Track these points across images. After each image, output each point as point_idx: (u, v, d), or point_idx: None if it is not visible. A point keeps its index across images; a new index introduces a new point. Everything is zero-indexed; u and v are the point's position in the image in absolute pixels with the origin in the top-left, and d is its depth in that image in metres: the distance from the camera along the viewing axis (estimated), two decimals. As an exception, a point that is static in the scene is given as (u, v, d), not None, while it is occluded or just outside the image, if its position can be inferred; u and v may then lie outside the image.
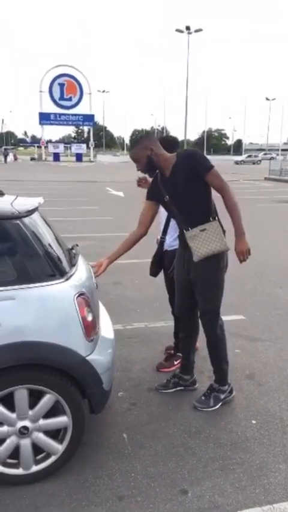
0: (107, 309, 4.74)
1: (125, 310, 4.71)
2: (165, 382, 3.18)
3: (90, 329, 2.26)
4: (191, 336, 3.07)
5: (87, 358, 2.19)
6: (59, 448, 2.23)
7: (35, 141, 53.70)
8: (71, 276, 2.31)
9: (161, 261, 3.45)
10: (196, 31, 41.34)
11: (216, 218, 2.73)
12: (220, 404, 2.90)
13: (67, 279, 2.27)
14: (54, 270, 2.24)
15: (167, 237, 3.35)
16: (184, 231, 2.79)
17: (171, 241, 3.30)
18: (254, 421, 2.77)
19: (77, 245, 3.03)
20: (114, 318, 4.52)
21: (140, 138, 2.86)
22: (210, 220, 2.70)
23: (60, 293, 2.21)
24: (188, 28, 41.03)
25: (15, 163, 44.68)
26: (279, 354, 3.73)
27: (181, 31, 41.14)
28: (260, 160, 30.34)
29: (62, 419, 2.20)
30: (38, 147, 53.23)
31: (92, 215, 11.21)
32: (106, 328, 2.67)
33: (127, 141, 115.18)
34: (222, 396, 2.92)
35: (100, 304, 3.12)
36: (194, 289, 2.86)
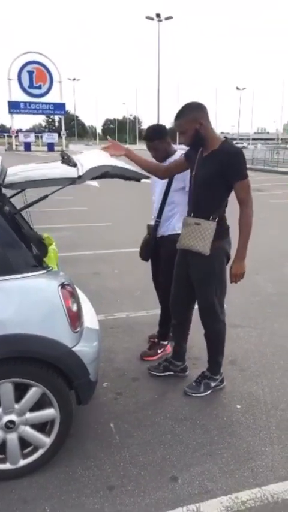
0: (88, 300, 4.72)
1: (105, 301, 4.67)
2: (157, 364, 3.19)
3: (76, 320, 2.22)
4: (183, 323, 3.05)
5: (73, 349, 2.15)
6: (47, 441, 2.19)
7: (4, 130, 52.26)
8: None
9: (153, 246, 3.37)
10: (166, 19, 40.96)
11: (216, 220, 2.65)
12: (210, 391, 2.92)
13: (49, 270, 2.22)
14: (36, 260, 2.19)
15: (162, 220, 3.27)
16: (187, 215, 2.78)
17: (167, 226, 3.25)
18: (238, 406, 2.81)
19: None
20: (96, 308, 4.47)
21: (189, 108, 2.58)
22: (210, 219, 2.66)
23: (44, 284, 2.16)
24: (158, 15, 40.62)
25: (-15, 154, 43.49)
26: (259, 339, 3.78)
27: (151, 18, 40.70)
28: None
29: (49, 412, 2.16)
30: (8, 136, 51.93)
31: (66, 206, 11.05)
32: (90, 318, 2.64)
33: (99, 130, 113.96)
34: (212, 384, 2.94)
35: (83, 295, 3.08)
36: (193, 283, 2.84)
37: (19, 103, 46.33)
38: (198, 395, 2.89)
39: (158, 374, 3.14)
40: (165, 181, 3.18)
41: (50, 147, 47.76)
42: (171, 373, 3.15)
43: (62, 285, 2.18)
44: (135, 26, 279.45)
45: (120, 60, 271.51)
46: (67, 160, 2.50)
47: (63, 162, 2.48)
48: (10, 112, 46.50)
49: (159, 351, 3.48)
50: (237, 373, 3.21)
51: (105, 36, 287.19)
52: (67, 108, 71.56)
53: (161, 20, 40.85)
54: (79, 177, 2.20)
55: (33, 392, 2.11)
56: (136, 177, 2.71)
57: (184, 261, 2.89)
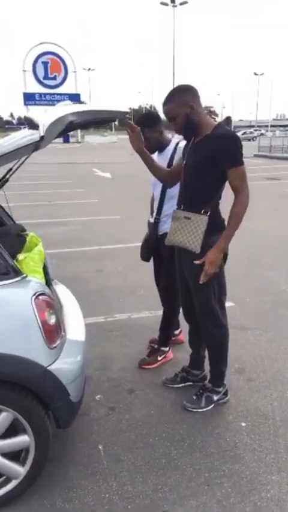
0: (88, 300, 4.47)
1: (107, 300, 4.41)
2: (173, 376, 2.93)
3: (53, 334, 1.95)
4: (198, 330, 2.74)
5: (49, 368, 1.89)
6: (21, 471, 1.94)
7: (21, 123, 52.33)
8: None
9: (154, 245, 3.11)
10: (181, 4, 40.02)
11: (208, 214, 2.35)
12: (212, 406, 2.64)
13: (23, 277, 1.96)
14: (7, 266, 1.93)
15: (162, 218, 3.01)
16: (176, 208, 2.51)
17: (169, 223, 2.95)
18: (243, 424, 2.52)
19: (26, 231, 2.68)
20: (96, 309, 4.26)
21: (178, 91, 2.33)
22: (201, 213, 2.36)
23: (15, 295, 1.89)
24: (172, 1, 39.71)
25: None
26: (270, 344, 3.47)
27: (166, 4, 39.81)
28: (256, 137, 30.03)
29: (23, 439, 1.91)
30: (24, 128, 51.98)
31: (77, 198, 10.82)
32: (76, 328, 2.38)
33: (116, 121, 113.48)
34: (215, 398, 2.65)
35: (71, 298, 2.82)
36: (189, 284, 2.56)
37: (34, 94, 46.15)
38: (199, 410, 2.61)
39: (176, 386, 2.88)
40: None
41: (66, 138, 47.50)
42: (191, 383, 2.88)
43: (37, 295, 1.92)
44: (150, 12, 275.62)
45: (135, 48, 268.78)
46: (32, 124, 2.21)
47: (30, 128, 2.20)
48: (25, 104, 46.34)
49: (159, 358, 3.20)
50: (244, 384, 2.91)
51: (121, 24, 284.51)
52: (82, 98, 71.15)
53: (175, 6, 39.92)
54: (41, 138, 1.93)
55: (3, 418, 1.86)
56: (110, 117, 2.40)
57: (179, 261, 2.61)
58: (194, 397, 2.66)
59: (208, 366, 2.73)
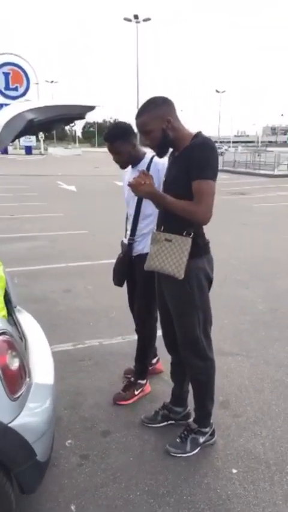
0: (55, 325, 4.11)
1: (76, 325, 4.07)
2: (153, 414, 2.60)
3: (16, 382, 1.62)
4: (181, 361, 2.43)
5: (11, 425, 1.55)
6: None
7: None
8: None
9: (128, 268, 2.82)
10: (144, 20, 40.37)
11: (192, 235, 2.08)
12: (198, 449, 2.34)
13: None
14: None
15: (137, 238, 2.73)
16: (156, 229, 2.24)
17: (145, 242, 2.68)
18: (235, 470, 2.24)
19: None
20: (64, 335, 3.90)
21: (153, 103, 2.05)
22: (183, 234, 2.09)
23: None
24: (136, 17, 40.03)
25: None
26: (254, 371, 3.23)
27: (129, 20, 40.01)
28: (223, 152, 30.17)
29: (-22, 514, 1.56)
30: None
31: (41, 212, 10.39)
32: (43, 367, 2.04)
33: (79, 133, 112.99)
34: (201, 440, 2.36)
35: (37, 328, 2.47)
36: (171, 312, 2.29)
37: (-4, 105, 45.30)
38: (184, 455, 2.31)
39: (156, 426, 2.56)
40: (136, 198, 2.64)
41: (28, 150, 46.82)
42: (172, 422, 2.58)
43: (-4, 335, 1.58)
44: (114, 26, 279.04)
45: (99, 62, 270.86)
46: None
47: None
48: (-13, 114, 45.37)
49: (136, 393, 2.89)
50: (230, 421, 2.64)
51: (82, 37, 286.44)
52: (46, 110, 70.26)
53: (139, 22, 40.31)
54: None
55: None
56: (77, 114, 2.07)
57: (159, 284, 2.34)
58: (178, 440, 2.36)
59: (192, 401, 2.45)
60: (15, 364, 1.63)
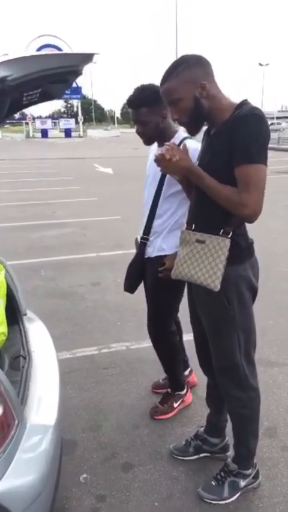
0: (80, 325, 3.75)
1: (102, 324, 3.70)
2: (184, 444, 2.20)
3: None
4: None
5: (-11, 495, 1.19)
6: None
7: (23, 117, 51.54)
8: None
9: (141, 272, 2.41)
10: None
11: (230, 235, 1.62)
12: (238, 495, 1.92)
13: None
14: None
15: (151, 237, 2.29)
16: (186, 227, 1.79)
17: (160, 243, 2.25)
18: (284, 527, 1.80)
19: None
20: (89, 337, 3.54)
21: (184, 63, 1.58)
22: (220, 234, 1.64)
23: None
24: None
25: (3, 140, 42.87)
26: (306, 387, 2.74)
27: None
28: (280, 130, 26.44)
29: None
30: (25, 123, 51.16)
31: (75, 196, 10.09)
32: (45, 399, 1.66)
33: (118, 114, 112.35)
34: (242, 483, 1.92)
35: (47, 342, 2.10)
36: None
37: (35, 88, 45.33)
38: (221, 502, 1.89)
39: (187, 459, 2.16)
40: (154, 184, 2.18)
41: (68, 132, 46.80)
42: (207, 454, 2.16)
43: None
44: (152, 3, 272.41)
45: (138, 40, 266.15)
46: None
47: None
48: (26, 98, 45.58)
49: (175, 405, 2.51)
50: (278, 455, 2.18)
51: (122, 16, 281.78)
52: (85, 92, 70.23)
53: (178, -6, 38.77)
54: None
55: None
56: (70, 66, 1.53)
57: (191, 296, 1.90)
58: (214, 483, 1.94)
59: (231, 430, 2.01)
60: (-4, 411, 1.26)
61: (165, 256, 2.18)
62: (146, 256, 2.31)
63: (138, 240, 2.38)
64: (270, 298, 4.06)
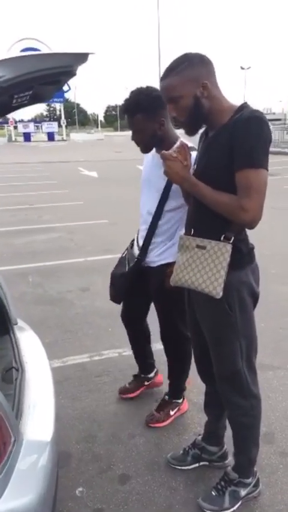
0: (71, 332, 3.68)
1: (93, 330, 3.64)
2: (181, 454, 2.14)
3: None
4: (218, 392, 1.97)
5: (-14, 519, 1.12)
6: None
7: (4, 121, 51.05)
8: None
9: (133, 284, 2.34)
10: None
11: (232, 240, 1.59)
12: (239, 504, 1.88)
13: None
14: None
15: (151, 251, 2.24)
16: (184, 232, 1.76)
17: (163, 251, 2.21)
18: (287, 536, 1.77)
19: None
20: (79, 344, 3.47)
21: (186, 61, 1.54)
22: (221, 240, 1.60)
23: None
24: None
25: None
26: (301, 390, 2.73)
27: (151, -4, 38.83)
28: None
29: None
30: (7, 127, 50.71)
31: (61, 200, 9.98)
32: (41, 413, 1.60)
33: (101, 117, 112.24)
34: (243, 493, 1.88)
35: (40, 353, 2.04)
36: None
37: (17, 92, 44.92)
38: (222, 513, 1.86)
39: (185, 468, 2.11)
40: (156, 195, 2.12)
41: (50, 136, 46.52)
42: (206, 463, 2.12)
43: None
44: (132, 4, 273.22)
45: (120, 42, 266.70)
46: None
47: None
48: (8, 102, 45.14)
49: (172, 413, 2.46)
50: (277, 461, 2.16)
51: (104, 18, 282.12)
52: (67, 96, 69.92)
53: (160, -3, 38.95)
54: None
55: None
56: (64, 66, 1.47)
57: (189, 302, 1.86)
58: (214, 493, 1.90)
59: (229, 437, 1.98)
60: (-9, 429, 1.19)
61: (168, 264, 2.13)
62: (147, 265, 2.25)
63: (136, 247, 2.31)
64: (261, 300, 4.03)
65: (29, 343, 2.10)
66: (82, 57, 1.47)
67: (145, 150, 2.13)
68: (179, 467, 2.11)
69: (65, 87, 1.70)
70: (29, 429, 1.47)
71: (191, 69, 1.53)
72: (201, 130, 1.70)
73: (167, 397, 2.51)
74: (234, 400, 1.79)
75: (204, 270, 1.62)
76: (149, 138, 2.04)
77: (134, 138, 2.06)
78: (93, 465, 2.15)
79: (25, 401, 1.62)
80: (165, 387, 2.60)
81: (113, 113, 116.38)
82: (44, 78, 1.36)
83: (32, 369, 1.87)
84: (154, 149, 2.14)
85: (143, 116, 1.96)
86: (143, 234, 2.24)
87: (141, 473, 2.10)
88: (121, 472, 2.11)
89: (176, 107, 1.58)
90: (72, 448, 2.26)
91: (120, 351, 3.27)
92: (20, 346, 2.02)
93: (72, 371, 3.01)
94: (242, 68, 78.63)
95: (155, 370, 2.74)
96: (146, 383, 2.69)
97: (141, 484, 2.03)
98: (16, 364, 1.84)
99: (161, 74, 1.62)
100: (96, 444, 2.30)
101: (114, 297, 2.45)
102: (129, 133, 2.10)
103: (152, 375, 2.72)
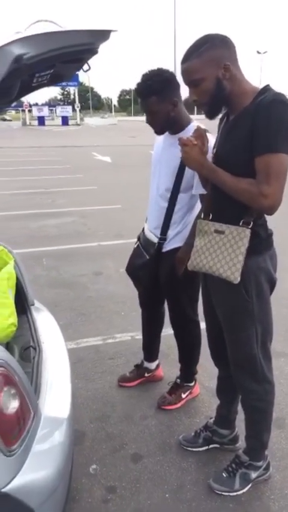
0: (84, 315, 3.72)
1: (106, 314, 3.68)
2: (193, 435, 2.18)
3: (13, 429, 1.22)
4: (231, 377, 1.98)
5: (5, 489, 1.16)
6: None
7: (18, 104, 50.90)
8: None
9: (155, 268, 2.33)
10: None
11: (251, 225, 1.59)
12: (249, 486, 1.91)
13: None
14: None
15: (170, 230, 2.22)
16: (202, 217, 1.74)
17: (174, 235, 2.22)
18: (296, 519, 1.80)
19: None
20: (93, 327, 3.52)
21: (208, 42, 1.51)
22: (240, 224, 1.60)
23: None
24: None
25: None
26: (313, 378, 2.74)
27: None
28: None
29: None
30: (22, 111, 50.54)
31: (74, 185, 10.00)
32: (58, 389, 1.64)
33: (115, 102, 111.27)
34: (253, 475, 1.91)
35: (56, 332, 2.07)
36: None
37: (31, 75, 44.67)
38: (232, 494, 1.89)
39: (195, 450, 2.14)
40: (170, 176, 2.10)
41: (64, 120, 46.28)
42: (217, 446, 2.15)
43: (-14, 369, 1.18)
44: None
45: (135, 26, 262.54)
46: None
47: None
48: (22, 85, 44.94)
49: (183, 396, 2.50)
50: (287, 445, 2.18)
51: (117, 1, 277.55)
52: (81, 79, 69.43)
53: (177, -20, 38.24)
54: None
55: None
56: (86, 44, 1.46)
57: (205, 287, 1.87)
58: (224, 475, 1.93)
59: (241, 420, 2.00)
60: (13, 405, 1.23)
61: (177, 249, 2.14)
62: (165, 250, 2.26)
63: (148, 233, 2.32)
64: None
65: (45, 324, 2.14)
66: (104, 35, 1.47)
67: (159, 132, 2.14)
68: (190, 449, 2.15)
69: (85, 67, 1.69)
70: (46, 406, 1.51)
71: (212, 50, 1.51)
72: (220, 115, 1.68)
73: (178, 380, 2.54)
74: (248, 385, 1.80)
75: (222, 254, 1.62)
76: (163, 120, 2.04)
77: (148, 120, 2.07)
78: (107, 444, 2.20)
79: (43, 380, 1.66)
80: (171, 376, 2.62)
81: (127, 97, 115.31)
82: (67, 55, 1.36)
83: (49, 349, 1.90)
84: (167, 133, 2.14)
85: (156, 98, 1.97)
86: (154, 216, 2.25)
87: (153, 453, 2.14)
88: (133, 452, 2.15)
89: (197, 90, 1.57)
90: (86, 427, 2.31)
91: (133, 334, 3.30)
92: (37, 326, 2.06)
93: (85, 353, 3.06)
94: (259, 53, 77.12)
95: (157, 362, 2.76)
96: (147, 374, 2.70)
97: (153, 464, 2.07)
98: (34, 343, 1.88)
99: (179, 57, 1.61)
100: (110, 424, 2.35)
101: (138, 287, 2.48)
102: (143, 118, 2.10)
103: (153, 366, 2.73)
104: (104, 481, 1.98)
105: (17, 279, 2.12)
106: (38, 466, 1.27)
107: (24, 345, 1.86)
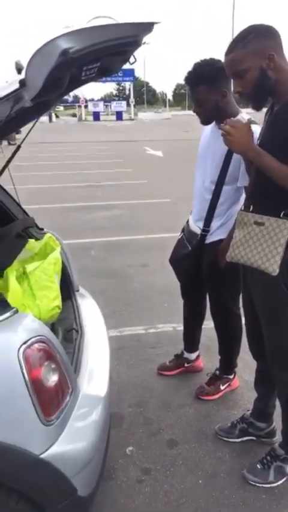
0: (128, 304, 3.82)
1: (150, 304, 3.74)
2: (229, 426, 2.20)
3: (52, 401, 1.31)
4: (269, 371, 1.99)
5: (43, 455, 1.25)
6: None
7: (76, 100, 52.12)
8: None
9: (197, 259, 2.36)
10: None
11: None
12: (284, 480, 1.90)
13: (13, 312, 1.31)
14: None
15: (213, 222, 2.24)
16: (242, 208, 1.75)
17: (217, 227, 2.24)
18: None
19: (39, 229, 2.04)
20: (136, 316, 3.62)
21: (253, 33, 1.51)
22: (280, 217, 1.59)
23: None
24: None
25: (58, 123, 43.70)
26: None
27: None
28: None
29: None
30: (78, 106, 51.78)
31: (125, 179, 10.15)
32: (97, 370, 1.72)
33: (169, 96, 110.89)
34: None
35: (98, 319, 2.15)
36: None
37: (88, 71, 45.58)
38: (265, 485, 1.89)
39: (231, 441, 2.17)
40: (215, 168, 2.11)
41: (119, 115, 46.85)
42: (253, 438, 2.16)
43: (28, 343, 1.26)
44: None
45: (191, 20, 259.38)
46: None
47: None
48: (80, 80, 45.98)
49: (222, 387, 2.51)
50: None
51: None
52: (137, 74, 69.87)
53: None
54: (22, 84, 1.23)
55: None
56: (129, 37, 1.49)
57: (244, 279, 1.87)
58: (259, 466, 1.93)
59: (278, 414, 1.99)
60: (52, 379, 1.31)
61: (220, 240, 2.15)
62: (209, 241, 2.28)
63: (192, 225, 2.34)
64: None
65: (88, 309, 2.23)
66: (147, 27, 1.50)
67: (206, 122, 2.15)
68: (226, 439, 2.16)
69: (131, 59, 1.73)
70: (85, 384, 1.59)
71: (257, 40, 1.51)
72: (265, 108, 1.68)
73: (217, 371, 2.55)
74: (285, 378, 1.79)
75: (261, 246, 1.62)
76: (211, 110, 2.04)
77: (196, 109, 2.08)
78: (144, 428, 2.27)
79: (83, 360, 1.74)
80: (211, 368, 2.63)
81: (182, 91, 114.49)
82: (110, 48, 1.41)
83: (90, 332, 1.99)
84: (214, 123, 2.14)
85: (205, 87, 1.97)
86: (198, 208, 2.26)
87: (188, 440, 2.18)
88: (169, 437, 2.20)
89: (242, 81, 1.57)
90: (124, 410, 2.39)
91: (174, 325, 3.34)
92: (80, 310, 2.15)
93: (127, 341, 3.14)
94: None
95: (198, 353, 2.78)
96: (186, 365, 2.73)
97: (188, 450, 2.11)
98: (76, 326, 1.97)
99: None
100: (147, 409, 2.41)
101: (180, 278, 2.52)
102: None
103: (193, 357, 2.75)
104: (139, 462, 2.05)
105: (63, 265, 2.23)
106: (74, 438, 1.35)
107: (68, 327, 1.96)
